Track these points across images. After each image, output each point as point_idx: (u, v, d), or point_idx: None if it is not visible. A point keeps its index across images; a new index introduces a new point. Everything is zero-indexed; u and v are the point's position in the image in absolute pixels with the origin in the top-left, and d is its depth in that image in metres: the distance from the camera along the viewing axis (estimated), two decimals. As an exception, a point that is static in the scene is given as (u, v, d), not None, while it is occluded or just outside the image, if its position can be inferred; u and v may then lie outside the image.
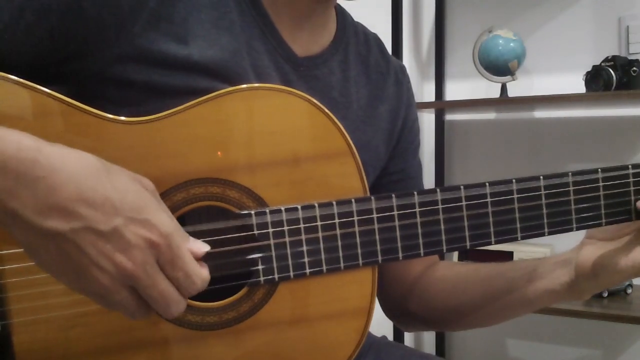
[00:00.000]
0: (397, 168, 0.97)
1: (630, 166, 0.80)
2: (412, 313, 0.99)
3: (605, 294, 1.94)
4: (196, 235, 0.66)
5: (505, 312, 0.91)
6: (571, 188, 0.78)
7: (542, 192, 0.77)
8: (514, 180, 0.77)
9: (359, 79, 0.90)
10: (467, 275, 0.94)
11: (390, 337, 1.86)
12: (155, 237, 0.58)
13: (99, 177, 0.57)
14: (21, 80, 0.65)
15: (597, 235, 0.82)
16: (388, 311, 1.02)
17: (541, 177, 0.78)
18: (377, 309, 0.82)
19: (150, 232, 0.58)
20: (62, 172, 0.56)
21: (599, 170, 0.79)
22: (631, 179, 0.79)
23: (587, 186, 0.79)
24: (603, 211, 0.79)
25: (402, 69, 0.99)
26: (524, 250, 2.03)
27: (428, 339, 2.49)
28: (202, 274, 0.62)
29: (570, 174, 0.78)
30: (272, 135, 0.72)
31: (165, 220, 0.59)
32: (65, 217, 0.56)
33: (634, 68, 1.89)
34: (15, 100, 0.65)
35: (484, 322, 0.96)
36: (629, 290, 1.98)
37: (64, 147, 0.58)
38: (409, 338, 2.47)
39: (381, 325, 1.02)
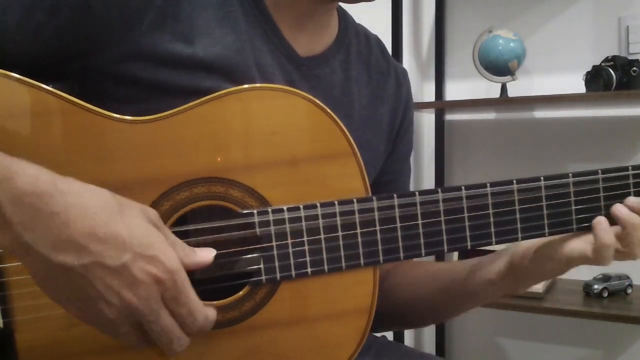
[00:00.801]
0: (389, 169, 0.97)
1: (630, 167, 0.80)
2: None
3: (606, 294, 1.95)
4: (198, 233, 0.66)
5: (451, 307, 0.94)
6: (572, 189, 0.79)
7: (543, 193, 0.78)
8: (514, 181, 0.77)
9: (361, 79, 0.90)
10: (423, 271, 0.96)
11: (390, 337, 1.86)
12: (160, 273, 0.60)
13: (111, 213, 0.59)
14: (24, 78, 0.65)
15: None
16: None
17: (542, 178, 0.78)
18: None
19: (157, 268, 0.60)
20: (76, 207, 0.57)
21: (599, 171, 0.79)
22: (631, 180, 0.80)
23: (588, 187, 0.79)
24: (603, 212, 0.79)
25: (404, 73, 1.00)
26: (524, 250, 2.03)
27: (428, 339, 2.49)
28: (205, 311, 0.64)
29: (570, 175, 0.79)
30: (275, 136, 0.72)
31: (171, 256, 0.61)
32: (76, 253, 0.57)
33: (634, 68, 1.89)
34: (17, 98, 0.65)
35: (434, 317, 1.00)
36: (629, 290, 1.98)
37: (79, 183, 0.60)
38: (408, 338, 2.47)
39: (381, 325, 1.02)
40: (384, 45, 0.98)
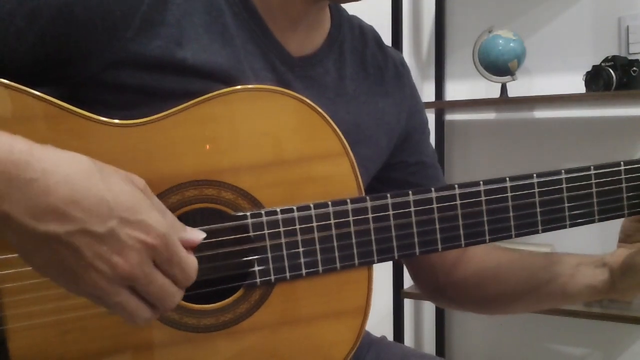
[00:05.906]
0: (414, 160, 0.97)
1: (622, 162, 0.80)
2: (450, 300, 1.03)
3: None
4: None
5: (544, 303, 0.93)
6: (564, 185, 0.78)
7: (536, 189, 0.78)
8: (507, 179, 0.77)
9: (356, 76, 0.89)
10: (509, 263, 0.95)
11: (390, 337, 1.86)
12: (151, 239, 0.58)
13: (92, 178, 0.57)
14: (10, 83, 0.65)
15: (626, 239, 0.85)
16: (425, 295, 1.07)
17: (534, 175, 0.78)
18: (376, 309, 0.82)
19: (147, 233, 0.58)
20: (54, 174, 0.55)
21: (592, 167, 0.79)
22: (623, 175, 0.80)
23: (580, 183, 0.79)
24: (596, 208, 0.79)
25: (402, 60, 0.98)
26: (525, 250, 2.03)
27: (428, 339, 2.48)
28: (194, 264, 0.63)
29: (563, 171, 0.79)
30: (266, 136, 0.72)
31: (159, 220, 0.59)
32: (59, 220, 0.55)
33: (634, 68, 1.89)
34: (5, 103, 0.65)
35: (522, 309, 0.99)
36: (630, 290, 1.98)
37: (56, 149, 0.57)
38: (409, 338, 2.47)
39: (381, 325, 1.02)
40: (379, 36, 0.96)
